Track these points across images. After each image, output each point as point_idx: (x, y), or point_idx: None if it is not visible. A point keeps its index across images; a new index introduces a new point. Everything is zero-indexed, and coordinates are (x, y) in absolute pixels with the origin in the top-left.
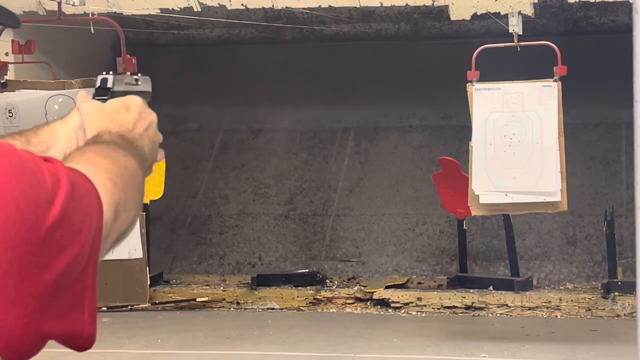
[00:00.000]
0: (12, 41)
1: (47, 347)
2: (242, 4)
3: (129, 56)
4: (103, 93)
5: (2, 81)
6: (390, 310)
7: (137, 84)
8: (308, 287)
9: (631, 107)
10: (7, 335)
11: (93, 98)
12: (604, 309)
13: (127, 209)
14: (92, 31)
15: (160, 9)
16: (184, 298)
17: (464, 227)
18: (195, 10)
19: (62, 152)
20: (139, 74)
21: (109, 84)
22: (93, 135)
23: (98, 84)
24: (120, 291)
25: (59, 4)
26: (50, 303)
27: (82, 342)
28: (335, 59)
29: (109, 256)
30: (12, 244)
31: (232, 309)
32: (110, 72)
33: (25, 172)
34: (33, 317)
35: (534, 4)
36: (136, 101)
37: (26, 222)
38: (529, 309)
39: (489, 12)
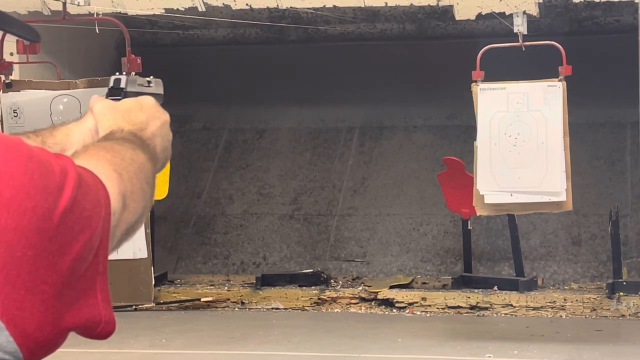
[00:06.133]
0: (17, 41)
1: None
2: (247, 4)
3: (133, 56)
4: (116, 93)
5: (7, 81)
6: (394, 310)
7: (149, 86)
8: (312, 287)
9: (636, 107)
10: (23, 324)
11: (106, 97)
12: (608, 309)
13: (135, 200)
14: (97, 31)
15: (165, 9)
16: (189, 298)
17: (469, 227)
18: (199, 10)
19: None
20: (152, 77)
21: (122, 84)
22: (105, 134)
23: (111, 84)
24: (125, 291)
25: (64, 4)
26: (65, 290)
27: (102, 328)
28: (339, 59)
29: (114, 256)
30: (25, 232)
31: (236, 309)
32: (124, 73)
33: (33, 161)
34: (49, 305)
35: (539, 3)
36: (150, 101)
37: (38, 209)
38: (534, 309)
39: (494, 12)
